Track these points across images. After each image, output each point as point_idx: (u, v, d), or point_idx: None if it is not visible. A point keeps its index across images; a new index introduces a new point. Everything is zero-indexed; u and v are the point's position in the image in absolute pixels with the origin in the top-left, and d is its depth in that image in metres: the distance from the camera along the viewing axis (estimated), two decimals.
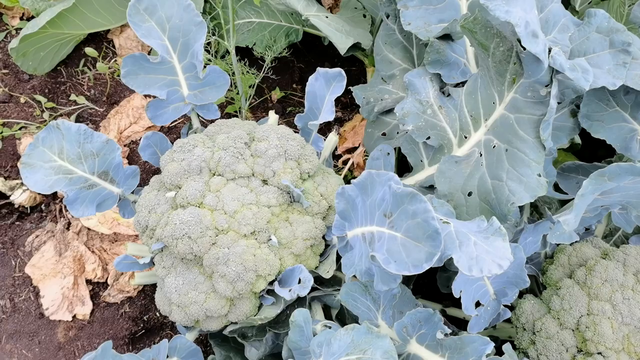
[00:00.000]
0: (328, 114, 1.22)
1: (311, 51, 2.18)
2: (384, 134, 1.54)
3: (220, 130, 1.30)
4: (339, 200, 1.10)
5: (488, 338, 1.01)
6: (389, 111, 1.52)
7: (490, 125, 1.18)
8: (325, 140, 1.35)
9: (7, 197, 1.75)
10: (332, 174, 1.30)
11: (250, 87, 1.84)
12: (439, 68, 1.31)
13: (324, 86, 1.24)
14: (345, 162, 1.90)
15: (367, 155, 1.88)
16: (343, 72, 1.20)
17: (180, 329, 1.27)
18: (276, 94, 2.05)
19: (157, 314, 1.71)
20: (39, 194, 1.79)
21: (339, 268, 1.24)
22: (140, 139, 1.87)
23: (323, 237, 1.24)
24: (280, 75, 2.10)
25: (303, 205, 1.22)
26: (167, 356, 1.16)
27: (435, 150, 1.33)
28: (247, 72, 1.84)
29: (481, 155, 1.18)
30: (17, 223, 1.76)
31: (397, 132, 1.52)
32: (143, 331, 1.68)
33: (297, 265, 1.16)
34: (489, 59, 1.13)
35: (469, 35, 1.12)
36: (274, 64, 1.97)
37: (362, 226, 1.07)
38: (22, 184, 1.76)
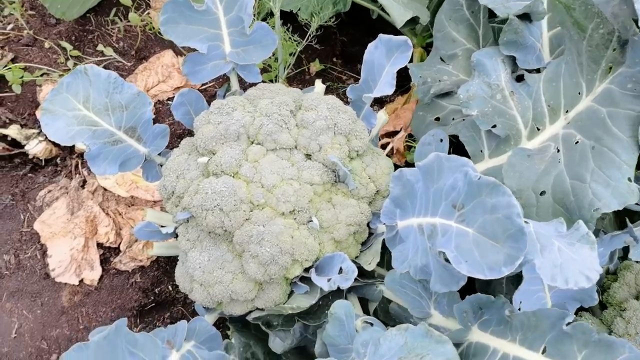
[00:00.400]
0: (386, 86, 1.08)
1: (356, 25, 2.03)
2: (437, 119, 1.39)
3: (263, 94, 1.17)
4: (395, 184, 0.97)
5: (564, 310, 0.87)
6: (446, 94, 1.38)
7: (572, 119, 1.04)
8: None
9: (22, 147, 1.64)
10: (382, 155, 1.17)
11: (290, 54, 1.70)
12: (514, 50, 1.16)
13: (385, 55, 1.10)
14: (384, 147, 1.76)
15: (410, 141, 1.74)
16: (410, 42, 1.06)
17: (198, 309, 1.15)
18: (315, 66, 1.91)
19: (170, 287, 1.59)
20: (55, 146, 1.67)
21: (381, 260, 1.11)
22: (167, 100, 1.74)
23: (367, 225, 1.11)
24: (321, 47, 1.96)
25: (349, 187, 1.09)
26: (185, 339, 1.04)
27: (500, 141, 1.19)
28: (290, 38, 1.70)
29: (558, 150, 1.04)
30: (30, 175, 1.65)
31: (453, 119, 1.38)
32: (153, 304, 1.57)
33: (337, 252, 1.03)
34: (583, 42, 0.98)
35: (564, 12, 0.98)
36: (316, 34, 1.82)
37: (420, 216, 0.94)
38: (38, 133, 1.64)
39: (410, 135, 1.77)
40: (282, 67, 1.72)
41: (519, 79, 1.19)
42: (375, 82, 1.12)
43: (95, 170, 1.08)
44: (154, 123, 1.14)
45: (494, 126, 1.16)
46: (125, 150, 1.11)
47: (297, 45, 1.70)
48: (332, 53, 1.99)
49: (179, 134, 1.75)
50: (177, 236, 1.14)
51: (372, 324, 0.99)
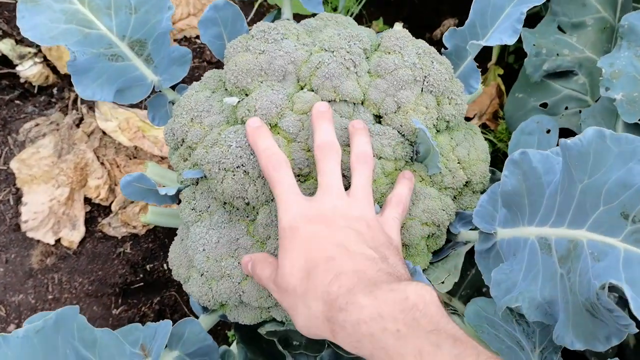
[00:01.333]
0: (507, 32, 0.74)
1: None
2: (543, 105, 1.05)
3: (326, 25, 0.84)
4: (510, 171, 0.64)
5: None
6: (561, 74, 1.04)
7: None
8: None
9: (14, 67, 1.34)
10: (479, 135, 0.83)
11: (355, 2, 1.37)
12: None
13: None
14: None
15: (485, 132, 1.40)
16: None
17: (194, 306, 0.83)
18: (378, 26, 1.57)
19: (165, 265, 1.29)
20: (54, 73, 1.37)
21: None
22: (196, 37, 1.43)
23: (447, 227, 0.78)
24: (386, 6, 1.62)
25: (428, 170, 0.76)
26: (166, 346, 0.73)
27: None
28: None
29: None
30: (17, 102, 1.35)
31: (566, 108, 1.04)
32: (141, 283, 1.26)
33: (404, 260, 0.70)
34: None
35: None
36: None
37: (546, 225, 0.61)
38: (35, 54, 1.34)
39: (485, 126, 1.44)
40: None
41: None
42: (486, 28, 0.79)
43: (81, 92, 0.77)
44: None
45: None
46: (126, 72, 0.80)
47: None
48: (398, 15, 1.65)
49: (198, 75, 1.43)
50: (180, 202, 0.83)
51: None
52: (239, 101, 0.75)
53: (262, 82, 0.76)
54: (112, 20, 0.75)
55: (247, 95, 0.76)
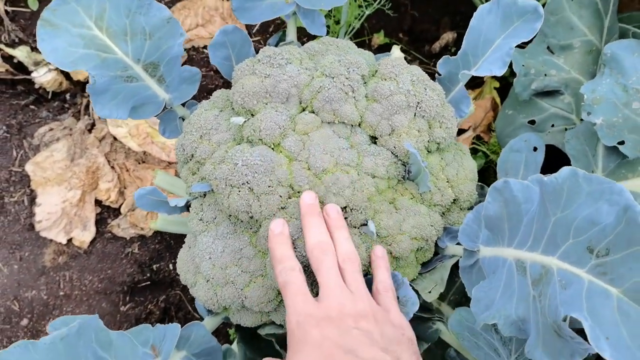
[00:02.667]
0: (496, 63, 0.80)
1: (431, 1, 1.74)
2: (531, 122, 1.11)
3: (327, 50, 0.90)
4: (493, 198, 0.70)
5: None
6: (548, 94, 1.10)
7: None
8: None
9: (29, 73, 1.40)
10: (467, 155, 0.89)
11: (356, 18, 1.42)
12: None
13: (499, 24, 0.82)
14: None
15: (477, 143, 1.46)
16: (541, 10, 0.78)
17: (199, 308, 0.90)
18: (379, 38, 1.63)
19: (170, 266, 1.35)
20: (67, 79, 1.43)
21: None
22: (203, 47, 1.49)
23: (435, 242, 0.84)
24: (387, 19, 1.67)
25: (419, 189, 0.82)
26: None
27: (622, 164, 0.91)
28: None
29: None
30: (32, 107, 1.41)
31: (552, 125, 1.09)
32: (148, 282, 1.33)
33: (394, 272, 0.77)
34: None
35: None
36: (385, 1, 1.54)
37: (523, 249, 0.67)
38: None
39: (478, 137, 1.49)
40: (344, 32, 1.45)
41: None
42: (477, 57, 0.85)
43: (99, 111, 0.83)
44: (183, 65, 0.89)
45: (622, 142, 0.88)
46: (140, 91, 0.86)
47: (366, 8, 1.43)
48: (399, 27, 1.70)
49: (210, 89, 1.49)
50: (188, 210, 0.89)
51: None
52: (245, 121, 0.82)
53: (266, 104, 0.82)
54: (128, 46, 0.81)
55: (252, 115, 0.82)
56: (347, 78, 0.81)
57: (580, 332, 0.55)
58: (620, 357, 0.50)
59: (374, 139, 0.83)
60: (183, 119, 0.95)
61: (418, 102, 0.81)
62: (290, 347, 0.59)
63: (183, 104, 0.95)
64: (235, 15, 0.92)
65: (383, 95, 0.81)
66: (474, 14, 0.84)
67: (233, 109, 0.86)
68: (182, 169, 0.89)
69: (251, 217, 0.79)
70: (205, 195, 0.85)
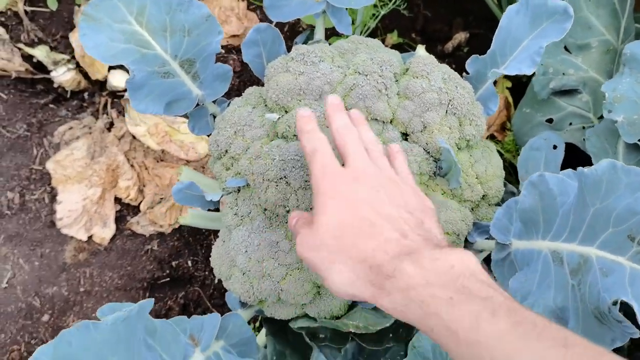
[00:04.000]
0: (525, 62, 0.82)
1: (444, 1, 1.77)
2: (549, 121, 1.14)
3: (357, 49, 0.92)
4: (529, 192, 0.72)
5: None
6: (566, 92, 1.12)
7: None
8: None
9: (48, 72, 1.41)
10: (494, 152, 0.92)
11: (372, 18, 1.44)
12: None
13: (528, 24, 0.85)
14: None
15: (495, 142, 1.49)
16: (571, 10, 0.80)
17: (230, 301, 0.92)
18: (392, 38, 1.65)
19: (189, 262, 1.37)
20: (85, 78, 1.44)
21: None
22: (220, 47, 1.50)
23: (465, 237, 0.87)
24: (401, 19, 1.70)
25: (449, 185, 0.84)
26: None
27: None
28: None
29: None
30: (51, 106, 1.42)
31: (570, 124, 1.12)
32: (167, 279, 1.34)
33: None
34: None
35: None
36: (399, 1, 1.57)
37: (558, 241, 0.69)
38: (69, 60, 1.41)
39: (492, 136, 1.52)
40: (359, 31, 1.47)
41: None
42: (505, 57, 0.87)
43: (136, 106, 0.84)
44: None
45: None
46: (176, 88, 0.87)
47: (381, 8, 1.45)
48: (412, 27, 1.73)
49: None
50: (218, 206, 0.91)
51: None
52: (279, 117, 0.83)
53: (300, 101, 0.84)
54: (167, 42, 0.83)
55: (286, 112, 0.84)
56: (380, 76, 0.83)
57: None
58: None
59: (405, 136, 0.85)
60: (214, 116, 0.96)
61: (449, 100, 0.83)
62: (317, 204, 0.59)
63: (214, 102, 0.96)
64: (266, 13, 0.94)
65: (415, 92, 0.83)
66: (503, 14, 0.86)
67: (266, 105, 0.88)
68: (215, 164, 0.90)
69: (287, 211, 0.80)
70: (239, 190, 0.87)
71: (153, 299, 0.64)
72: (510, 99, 1.53)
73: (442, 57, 1.67)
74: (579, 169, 0.65)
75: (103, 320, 0.59)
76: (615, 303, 0.56)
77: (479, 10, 1.68)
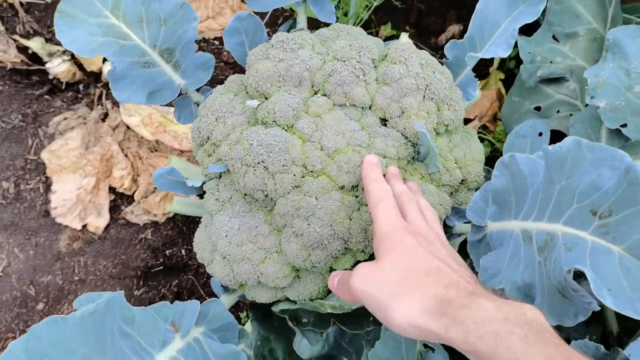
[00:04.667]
0: (501, 46, 0.83)
1: None
2: (537, 109, 1.14)
3: (338, 35, 0.93)
4: (500, 172, 0.73)
5: None
6: (554, 80, 1.12)
7: None
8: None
9: (43, 64, 1.43)
10: (475, 138, 0.92)
11: (365, 9, 1.45)
12: None
13: (505, 7, 0.85)
14: None
15: (483, 132, 1.49)
16: None
17: (214, 286, 0.93)
18: (385, 31, 1.65)
19: (183, 251, 1.38)
20: (80, 69, 1.46)
21: None
22: (214, 39, 1.52)
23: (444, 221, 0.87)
24: (394, 12, 1.70)
25: (428, 169, 0.85)
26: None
27: (625, 146, 0.93)
28: None
29: None
30: (46, 97, 1.44)
31: (558, 111, 1.12)
32: (161, 267, 1.36)
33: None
34: None
35: None
36: None
37: (529, 220, 0.70)
38: (64, 52, 1.43)
39: (484, 127, 1.52)
40: (352, 23, 1.47)
41: None
42: (483, 41, 0.87)
43: (118, 96, 0.86)
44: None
45: (624, 125, 0.90)
46: (156, 77, 0.89)
47: (374, 0, 1.45)
48: (405, 20, 1.73)
49: (221, 80, 1.52)
50: (203, 193, 0.92)
51: (433, 350, 0.76)
52: (259, 104, 0.85)
53: (280, 87, 0.85)
54: (145, 32, 0.84)
55: (266, 98, 0.85)
56: (358, 62, 0.84)
57: None
58: (620, 305, 0.53)
59: (384, 121, 0.86)
60: (198, 105, 0.98)
61: (427, 85, 0.84)
62: (381, 250, 0.63)
63: (197, 90, 0.97)
64: (246, 2, 0.95)
65: (393, 78, 0.84)
66: None
67: (247, 92, 0.89)
68: (198, 151, 0.91)
69: (266, 196, 0.81)
70: (220, 176, 0.88)
71: (122, 292, 0.65)
72: (503, 90, 1.53)
73: (435, 50, 1.67)
74: (544, 146, 0.65)
75: (71, 314, 0.60)
76: (569, 271, 0.57)
77: (472, 3, 1.67)
